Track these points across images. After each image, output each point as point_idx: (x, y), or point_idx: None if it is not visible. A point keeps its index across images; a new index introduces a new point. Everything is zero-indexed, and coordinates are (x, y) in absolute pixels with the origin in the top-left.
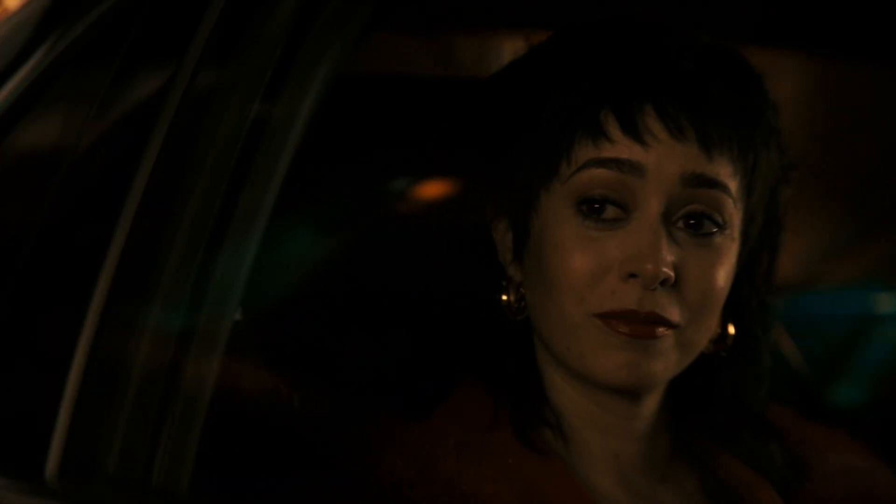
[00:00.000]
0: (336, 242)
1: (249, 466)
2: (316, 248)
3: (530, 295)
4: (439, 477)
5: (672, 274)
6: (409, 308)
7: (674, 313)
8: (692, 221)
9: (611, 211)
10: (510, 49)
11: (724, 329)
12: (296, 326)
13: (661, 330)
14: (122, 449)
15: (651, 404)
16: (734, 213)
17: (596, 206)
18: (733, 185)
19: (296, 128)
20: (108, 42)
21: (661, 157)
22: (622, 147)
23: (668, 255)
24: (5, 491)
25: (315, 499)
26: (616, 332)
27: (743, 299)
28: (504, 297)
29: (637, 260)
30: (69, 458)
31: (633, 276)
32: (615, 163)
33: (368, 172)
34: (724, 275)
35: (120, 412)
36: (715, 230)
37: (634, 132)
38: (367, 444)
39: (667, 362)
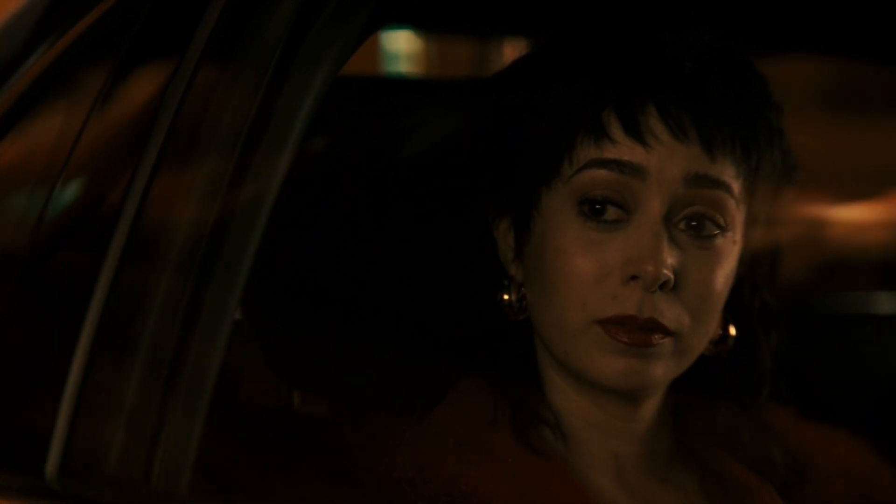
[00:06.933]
0: (337, 241)
1: (249, 466)
2: (316, 247)
3: (531, 295)
4: (439, 476)
5: (672, 276)
6: (410, 307)
7: (672, 320)
8: (694, 223)
9: (612, 212)
10: (510, 49)
11: (726, 330)
12: (296, 326)
13: (657, 337)
14: (122, 449)
15: (651, 406)
16: (736, 214)
17: (597, 206)
18: (736, 185)
19: (296, 127)
20: (108, 41)
21: (663, 159)
22: (624, 148)
23: (669, 258)
24: (5, 491)
25: (315, 499)
26: (615, 339)
27: (744, 301)
28: (505, 297)
29: (638, 262)
30: (69, 458)
31: (634, 278)
32: (616, 164)
33: (369, 171)
34: (723, 278)
35: (120, 412)
36: (717, 232)
37: (636, 133)
38: (367, 444)
39: (666, 367)
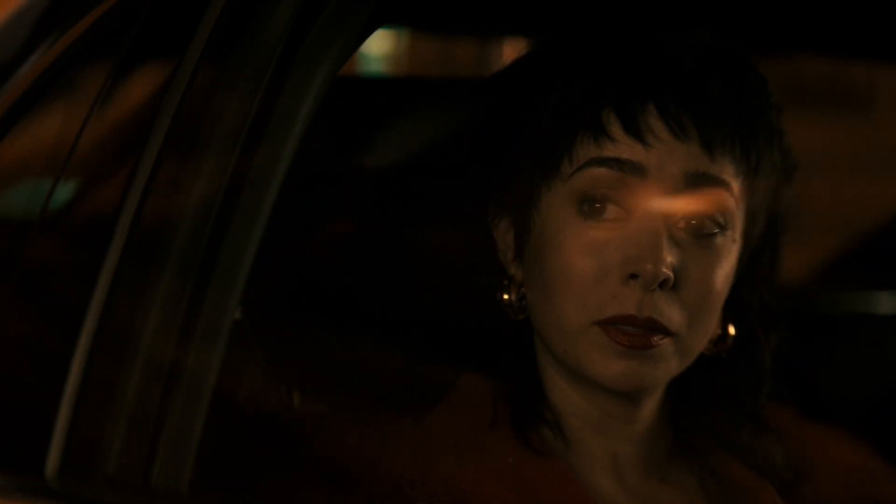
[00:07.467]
0: (336, 240)
1: (249, 466)
2: (316, 247)
3: (531, 295)
4: (439, 476)
5: (671, 275)
6: (410, 306)
7: (672, 319)
8: (693, 222)
9: (612, 211)
10: (510, 49)
11: (725, 330)
12: (296, 326)
13: (657, 338)
14: (122, 449)
15: (650, 406)
16: (736, 214)
17: (597, 205)
18: (735, 184)
19: (296, 127)
20: (108, 41)
21: (662, 157)
22: (624, 146)
23: (668, 256)
24: (5, 491)
25: (315, 499)
26: (615, 341)
27: (744, 300)
28: (505, 297)
29: (637, 260)
30: (69, 458)
31: (633, 276)
32: (616, 162)
33: (370, 171)
34: (723, 277)
35: (120, 412)
36: (716, 231)
37: (636, 131)
38: (367, 444)
39: (666, 367)
